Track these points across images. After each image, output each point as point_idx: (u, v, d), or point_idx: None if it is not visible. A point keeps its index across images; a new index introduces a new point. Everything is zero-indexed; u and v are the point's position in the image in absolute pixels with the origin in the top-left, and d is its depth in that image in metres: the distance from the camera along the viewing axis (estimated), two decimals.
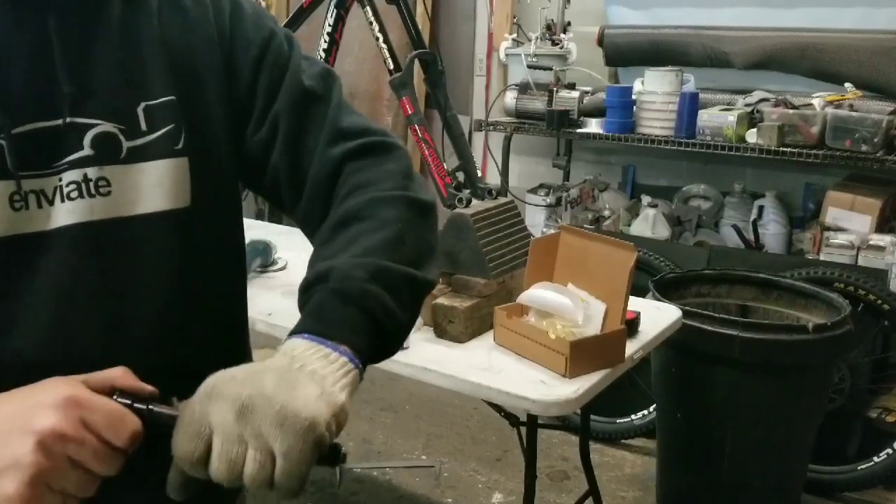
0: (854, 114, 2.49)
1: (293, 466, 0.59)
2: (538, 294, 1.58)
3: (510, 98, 3.27)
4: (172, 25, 0.79)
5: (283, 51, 0.86)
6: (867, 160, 2.47)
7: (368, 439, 2.88)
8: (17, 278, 0.70)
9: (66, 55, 0.71)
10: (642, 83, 2.88)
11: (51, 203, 0.71)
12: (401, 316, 0.74)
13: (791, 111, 2.61)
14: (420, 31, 2.16)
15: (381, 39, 2.09)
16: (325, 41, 2.27)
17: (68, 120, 0.71)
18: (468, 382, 1.46)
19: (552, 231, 2.36)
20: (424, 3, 3.70)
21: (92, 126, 0.73)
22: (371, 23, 2.12)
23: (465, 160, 1.97)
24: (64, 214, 0.71)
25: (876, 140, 2.43)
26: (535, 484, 1.82)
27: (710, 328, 2.12)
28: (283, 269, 2.01)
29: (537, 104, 3.16)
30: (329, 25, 2.26)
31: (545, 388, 1.43)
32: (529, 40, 3.26)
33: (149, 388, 0.65)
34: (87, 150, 0.72)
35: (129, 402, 0.63)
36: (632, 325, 1.63)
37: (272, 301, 1.75)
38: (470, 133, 3.41)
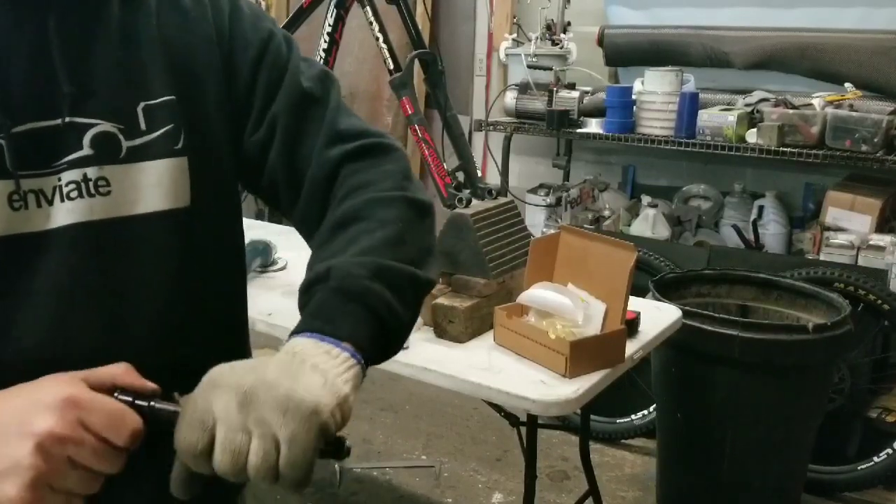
0: (854, 114, 2.49)
1: (298, 453, 0.59)
2: (538, 294, 1.58)
3: (510, 98, 3.27)
4: (171, 25, 0.79)
5: (282, 52, 0.86)
6: (867, 160, 2.47)
7: (368, 439, 2.88)
8: (17, 278, 0.70)
9: (66, 55, 0.71)
10: (642, 83, 2.88)
11: (50, 203, 0.71)
12: (403, 314, 0.73)
13: (791, 111, 2.61)
14: (420, 31, 2.16)
15: (381, 39, 2.09)
16: (325, 41, 2.27)
17: (68, 120, 0.71)
18: (468, 382, 1.46)
19: (552, 231, 2.36)
20: (424, 3, 3.70)
21: (91, 126, 0.73)
22: (371, 23, 2.11)
23: (465, 160, 1.97)
24: (63, 214, 0.71)
25: (876, 140, 2.43)
26: (535, 484, 1.82)
27: (710, 328, 2.12)
28: (283, 269, 2.01)
29: (537, 104, 3.16)
30: (329, 25, 2.25)
31: (545, 388, 1.43)
32: (529, 40, 3.26)
33: (150, 385, 0.65)
34: (86, 150, 0.72)
35: (129, 399, 0.63)
36: (632, 325, 1.63)
37: (272, 301, 1.75)
38: (470, 133, 3.42)
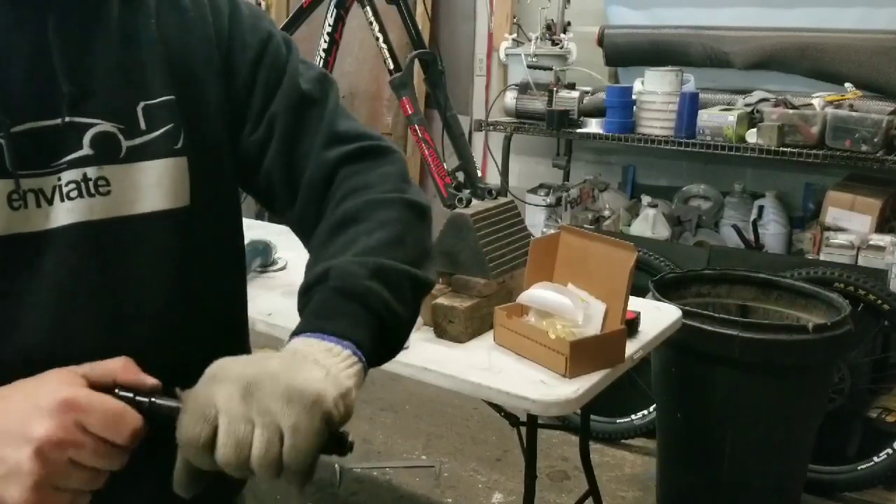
0: (854, 114, 2.49)
1: (301, 442, 0.58)
2: (538, 294, 1.58)
3: (510, 98, 3.27)
4: (170, 25, 0.79)
5: (281, 53, 0.86)
6: (867, 160, 2.47)
7: (368, 439, 2.88)
8: (17, 278, 0.70)
9: (66, 55, 0.71)
10: (642, 83, 2.88)
11: (50, 202, 0.71)
12: (402, 314, 0.73)
13: (791, 111, 2.61)
14: (420, 31, 2.16)
15: (381, 39, 2.09)
16: (325, 41, 2.27)
17: (67, 119, 0.71)
18: (468, 382, 1.46)
19: (552, 231, 2.36)
20: (424, 3, 3.70)
21: (91, 125, 0.73)
22: (371, 23, 2.12)
23: (465, 160, 1.97)
24: (63, 214, 0.71)
25: (876, 140, 2.43)
26: (535, 484, 1.82)
27: (710, 328, 2.12)
28: (283, 269, 2.01)
29: (537, 104, 3.16)
30: (329, 25, 2.25)
31: (545, 388, 1.43)
32: (529, 40, 3.26)
33: (151, 380, 0.65)
34: (86, 150, 0.72)
35: (130, 395, 0.63)
36: (632, 325, 1.63)
37: (272, 301, 1.75)
38: (470, 133, 3.41)
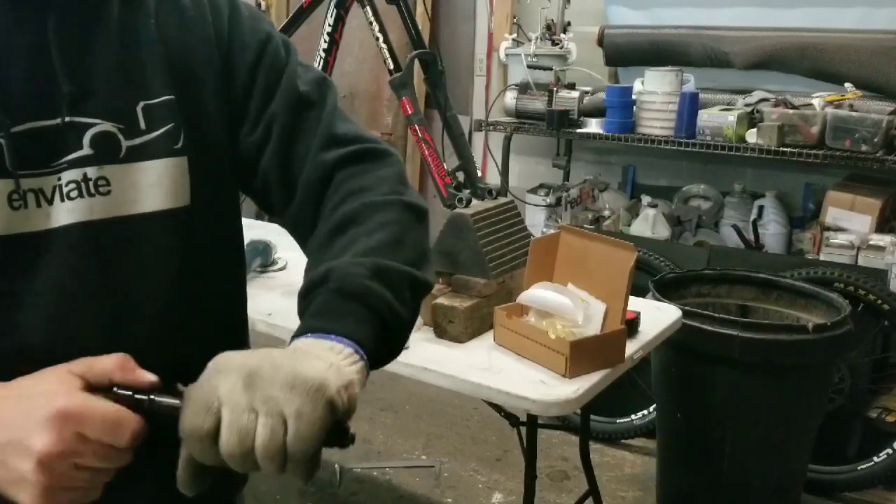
0: (854, 114, 2.49)
1: (305, 428, 0.58)
2: (538, 294, 1.58)
3: (510, 98, 3.27)
4: (170, 25, 0.79)
5: (280, 55, 0.86)
6: (867, 160, 2.47)
7: (368, 439, 2.88)
8: (17, 278, 0.70)
9: (66, 55, 0.72)
10: (642, 83, 2.88)
11: (50, 202, 0.71)
12: (403, 313, 0.73)
13: (791, 111, 2.61)
14: (420, 31, 2.16)
15: (381, 39, 2.09)
16: (325, 41, 2.27)
17: (67, 119, 0.71)
18: (468, 382, 1.46)
19: (552, 231, 2.36)
20: (424, 3, 3.70)
21: (91, 125, 0.73)
22: (371, 23, 2.12)
23: (465, 160, 1.97)
24: (64, 214, 0.72)
25: (876, 140, 2.43)
26: (535, 484, 1.82)
27: (710, 328, 2.12)
28: (283, 269, 2.01)
29: (537, 104, 3.16)
30: (329, 25, 2.25)
31: (545, 388, 1.43)
32: (529, 40, 3.26)
33: (148, 377, 0.65)
34: (86, 150, 0.72)
35: (128, 394, 0.63)
36: (632, 325, 1.63)
37: (272, 301, 1.75)
38: (470, 133, 3.41)
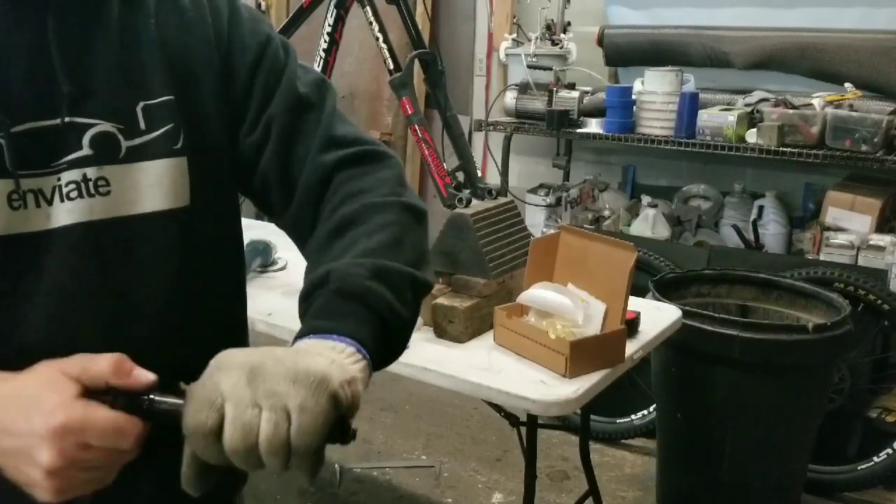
0: (854, 114, 2.49)
1: (309, 420, 0.58)
2: (538, 294, 1.58)
3: (510, 98, 3.27)
4: (170, 26, 0.79)
5: (280, 57, 0.86)
6: (867, 160, 2.47)
7: (368, 439, 2.88)
8: (17, 278, 0.70)
9: (66, 55, 0.72)
10: (642, 83, 2.88)
11: (49, 203, 0.71)
12: (403, 314, 0.74)
13: (791, 111, 2.61)
14: (420, 31, 2.16)
15: (381, 39, 2.09)
16: (325, 41, 2.27)
17: (67, 119, 0.71)
18: (468, 382, 1.46)
19: (552, 231, 2.36)
20: (424, 3, 3.70)
21: (91, 126, 0.73)
22: (371, 23, 2.12)
23: (465, 160, 1.97)
24: (64, 214, 0.72)
25: (876, 140, 2.43)
26: (535, 484, 1.82)
27: (710, 328, 2.12)
28: (283, 269, 2.01)
29: (537, 104, 3.16)
30: (329, 25, 2.25)
31: (545, 388, 1.43)
32: (529, 40, 3.26)
33: (146, 378, 0.64)
34: (86, 150, 0.72)
35: (126, 397, 0.63)
36: (632, 325, 1.63)
37: (272, 301, 1.75)
38: (470, 133, 3.41)
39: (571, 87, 3.18)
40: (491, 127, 3.32)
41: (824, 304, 2.30)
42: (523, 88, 3.23)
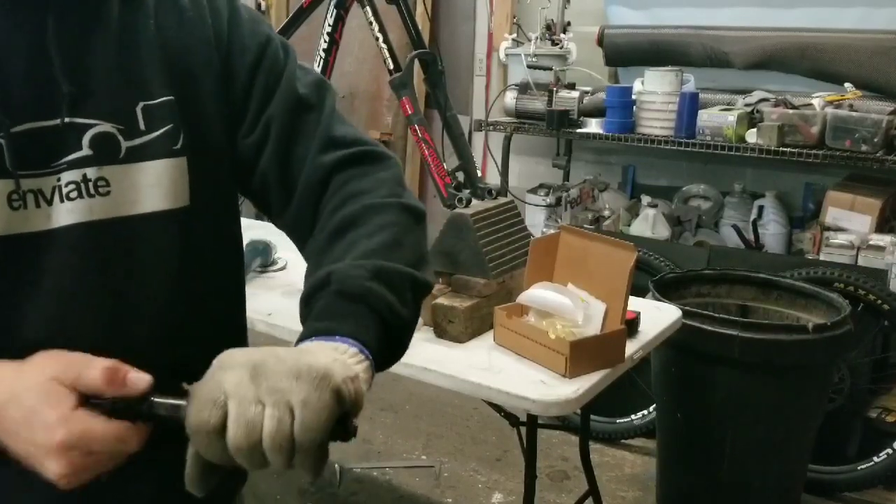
0: (854, 114, 2.49)
1: (312, 416, 0.58)
2: (538, 294, 1.58)
3: (510, 98, 3.27)
4: (169, 26, 0.80)
5: (279, 58, 0.87)
6: (867, 160, 2.47)
7: (368, 439, 2.88)
8: (18, 278, 0.71)
9: (65, 55, 0.72)
10: (642, 83, 2.88)
11: (49, 203, 0.71)
12: (404, 314, 0.74)
13: (791, 111, 2.61)
14: (420, 31, 2.16)
15: (381, 39, 2.09)
16: (325, 41, 2.27)
17: (67, 120, 0.71)
18: (468, 382, 1.46)
19: (552, 231, 2.36)
20: (424, 3, 3.70)
21: (91, 126, 0.73)
22: (371, 23, 2.12)
23: (465, 160, 1.97)
24: (63, 214, 0.72)
25: (876, 140, 2.43)
26: (535, 484, 1.82)
27: (710, 328, 2.12)
28: (283, 269, 2.01)
29: (537, 104, 3.16)
30: (329, 25, 2.25)
31: (545, 388, 1.43)
32: (529, 40, 3.27)
33: (142, 382, 0.63)
34: (85, 150, 0.72)
35: (126, 403, 0.62)
36: (632, 325, 1.63)
37: (272, 301, 1.74)
38: (470, 133, 3.41)
39: (571, 87, 3.18)
40: (491, 127, 3.32)
41: (824, 304, 2.30)
42: (523, 88, 3.23)
